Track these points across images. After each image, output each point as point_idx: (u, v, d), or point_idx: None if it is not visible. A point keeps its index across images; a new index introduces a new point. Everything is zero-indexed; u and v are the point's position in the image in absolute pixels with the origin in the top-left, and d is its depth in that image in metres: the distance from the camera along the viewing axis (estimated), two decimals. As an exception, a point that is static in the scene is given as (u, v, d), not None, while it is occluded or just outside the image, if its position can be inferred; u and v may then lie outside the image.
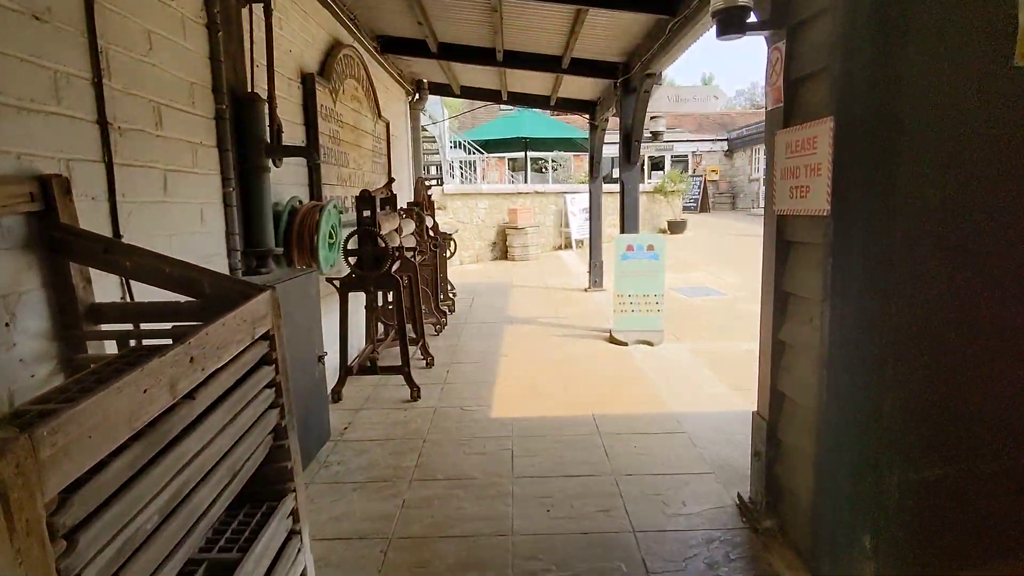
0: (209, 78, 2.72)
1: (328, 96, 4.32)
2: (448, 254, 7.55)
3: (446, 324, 6.23)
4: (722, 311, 6.68)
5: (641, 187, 16.45)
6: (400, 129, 7.22)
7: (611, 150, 24.21)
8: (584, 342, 5.51)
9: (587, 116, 7.99)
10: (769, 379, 2.48)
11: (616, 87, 5.70)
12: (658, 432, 3.51)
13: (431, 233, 6.05)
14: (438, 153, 12.54)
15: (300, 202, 3.54)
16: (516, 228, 11.95)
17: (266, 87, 3.08)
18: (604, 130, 7.60)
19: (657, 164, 25.29)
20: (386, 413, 3.91)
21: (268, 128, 3.05)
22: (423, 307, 5.92)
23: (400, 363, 4.11)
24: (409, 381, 4.10)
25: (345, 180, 4.71)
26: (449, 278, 8.18)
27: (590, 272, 8.21)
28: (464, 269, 11.00)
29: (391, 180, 4.41)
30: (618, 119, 5.71)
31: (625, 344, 5.31)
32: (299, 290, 3.01)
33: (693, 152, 25.02)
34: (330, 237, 3.52)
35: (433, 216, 6.89)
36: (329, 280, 3.97)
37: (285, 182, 3.56)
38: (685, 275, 9.14)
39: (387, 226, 4.20)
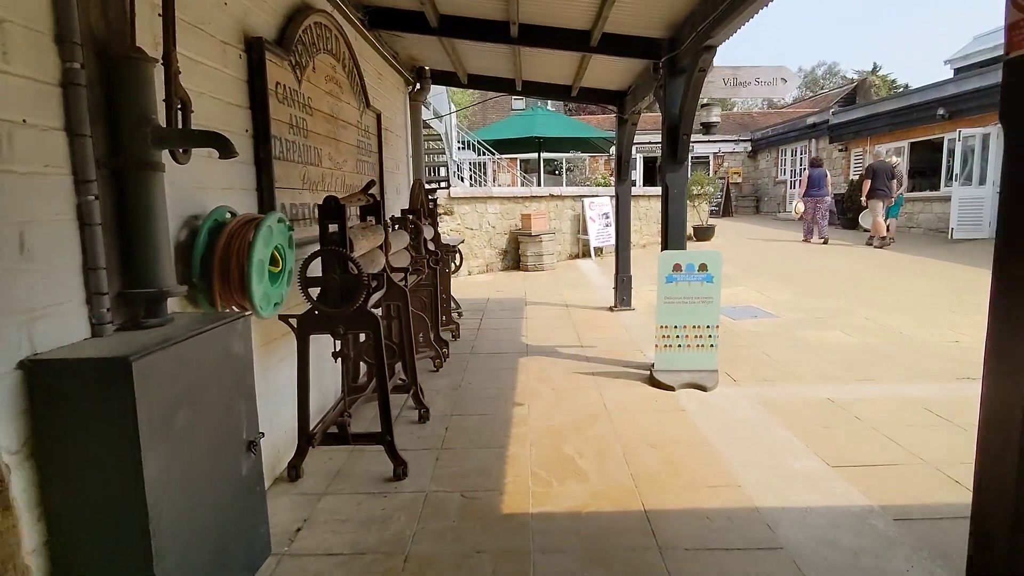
0: (49, 19, 1.68)
1: (289, 73, 3.29)
2: (452, 269, 6.50)
3: (447, 356, 5.17)
4: (779, 340, 5.57)
5: (659, 191, 15.29)
6: (396, 123, 6.19)
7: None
8: (618, 384, 4.43)
9: (614, 109, 6.92)
10: None
11: (659, 69, 4.62)
12: (744, 547, 2.43)
13: (429, 246, 5.00)
14: (444, 153, 11.49)
15: (232, 214, 2.50)
16: (530, 235, 10.88)
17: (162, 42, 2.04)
18: (635, 124, 6.52)
19: (676, 166, 24.08)
20: (358, 502, 2.85)
21: (166, 105, 2.02)
22: (419, 338, 4.88)
23: (380, 428, 3.05)
24: (392, 454, 3.04)
25: (316, 183, 3.67)
26: (454, 295, 7.14)
27: (616, 289, 7.13)
28: (473, 281, 9.96)
29: (372, 183, 3.36)
30: (661, 109, 4.63)
31: (671, 388, 4.23)
32: (211, 350, 1.97)
33: (715, 153, 23.84)
34: (273, 264, 2.48)
35: (435, 225, 5.85)
36: (284, 319, 2.93)
37: (211, 185, 2.52)
38: (724, 291, 8.02)
39: (365, 243, 3.15)
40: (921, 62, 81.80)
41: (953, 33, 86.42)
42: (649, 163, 24.80)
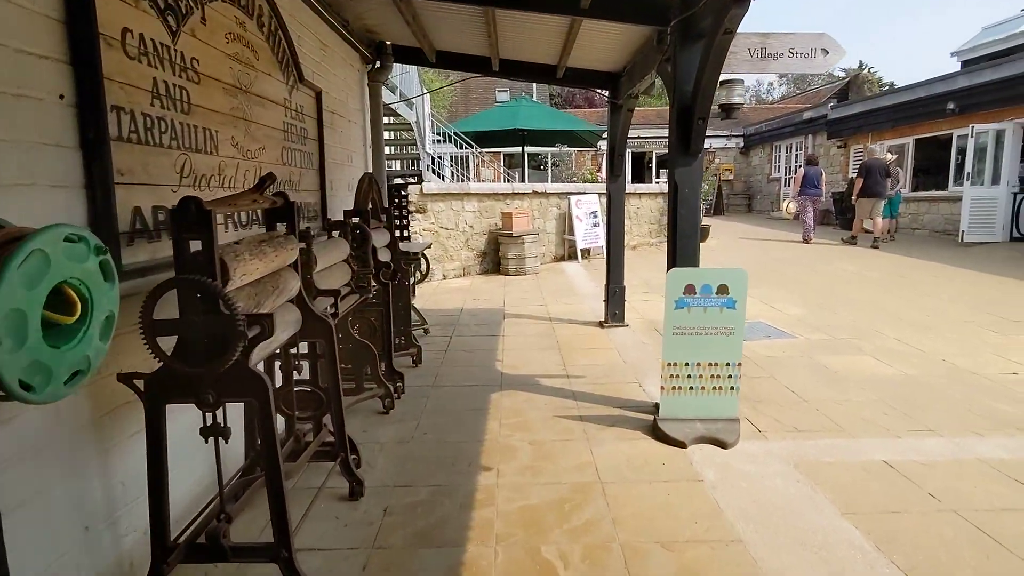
0: None
1: (153, 19, 2.30)
2: (416, 280, 5.55)
3: (402, 392, 4.21)
4: (801, 368, 4.68)
5: (649, 188, 14.32)
6: (348, 106, 5.20)
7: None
8: (613, 435, 3.50)
9: (605, 94, 5.99)
10: None
11: (665, 37, 3.70)
12: None
13: (381, 256, 4.03)
14: (416, 145, 10.43)
15: (-5, 228, 1.52)
16: (511, 236, 9.94)
17: None
18: (631, 111, 5.59)
19: (665, 161, 23.27)
20: (230, 661, 1.89)
21: None
22: (365, 371, 3.93)
23: (274, 535, 2.09)
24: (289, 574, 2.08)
25: (206, 177, 2.68)
26: (421, 308, 6.21)
27: (607, 302, 6.20)
28: (447, 287, 8.99)
29: (269, 178, 2.38)
30: (668, 88, 3.71)
31: (682, 444, 3.31)
32: None
33: (706, 149, 22.95)
34: (65, 310, 1.51)
35: (393, 228, 4.89)
36: (127, 380, 1.96)
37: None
38: (726, 301, 7.14)
39: (257, 265, 2.17)
40: (905, 61, 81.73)
41: (935, 32, 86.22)
42: (637, 158, 23.95)
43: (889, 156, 13.72)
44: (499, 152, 23.77)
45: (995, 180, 11.39)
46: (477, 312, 7.11)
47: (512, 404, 4.04)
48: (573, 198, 11.65)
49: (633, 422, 3.68)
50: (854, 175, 14.65)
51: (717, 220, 18.22)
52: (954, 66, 14.86)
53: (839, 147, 16.88)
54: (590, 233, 11.52)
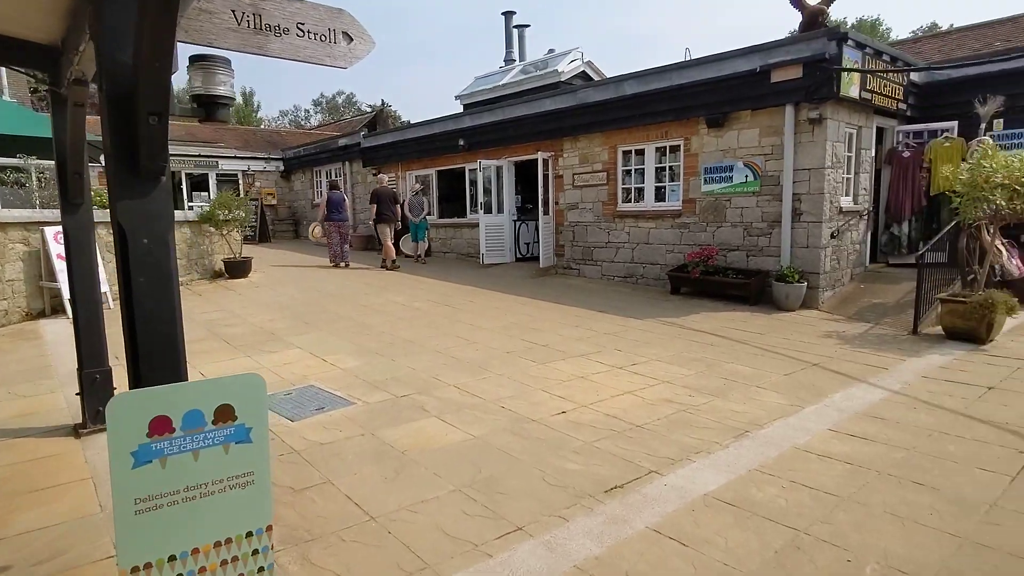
0: None
1: None
2: None
3: None
4: (366, 457, 3.65)
5: (182, 215, 11.78)
6: None
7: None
8: None
9: (45, 77, 3.87)
10: None
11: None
12: None
13: None
14: None
15: None
16: (-74, 293, 6.37)
17: None
18: (83, 105, 3.63)
19: (199, 184, 20.33)
20: None
21: None
22: None
23: None
24: None
25: None
26: None
27: (83, 394, 4.06)
28: None
29: None
30: (98, 61, 2.10)
31: None
32: None
33: (244, 171, 21.00)
34: None
35: None
36: None
37: None
38: (271, 359, 5.72)
39: None
40: (421, 101, 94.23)
41: (444, 77, 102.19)
42: (195, 180, 20.28)
43: (418, 186, 14.57)
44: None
45: (500, 209, 13.09)
46: None
47: None
48: (50, 230, 8.47)
49: None
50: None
51: (263, 248, 16.53)
52: (460, 108, 16.80)
53: (374, 174, 17.32)
54: (82, 278, 8.50)
